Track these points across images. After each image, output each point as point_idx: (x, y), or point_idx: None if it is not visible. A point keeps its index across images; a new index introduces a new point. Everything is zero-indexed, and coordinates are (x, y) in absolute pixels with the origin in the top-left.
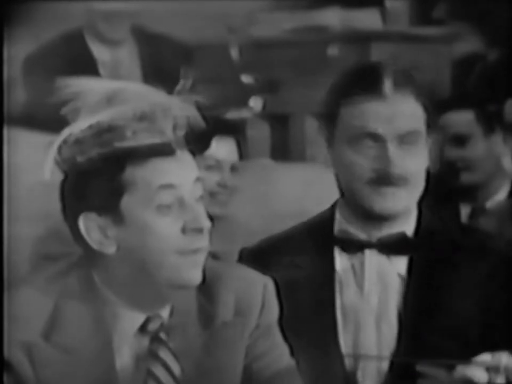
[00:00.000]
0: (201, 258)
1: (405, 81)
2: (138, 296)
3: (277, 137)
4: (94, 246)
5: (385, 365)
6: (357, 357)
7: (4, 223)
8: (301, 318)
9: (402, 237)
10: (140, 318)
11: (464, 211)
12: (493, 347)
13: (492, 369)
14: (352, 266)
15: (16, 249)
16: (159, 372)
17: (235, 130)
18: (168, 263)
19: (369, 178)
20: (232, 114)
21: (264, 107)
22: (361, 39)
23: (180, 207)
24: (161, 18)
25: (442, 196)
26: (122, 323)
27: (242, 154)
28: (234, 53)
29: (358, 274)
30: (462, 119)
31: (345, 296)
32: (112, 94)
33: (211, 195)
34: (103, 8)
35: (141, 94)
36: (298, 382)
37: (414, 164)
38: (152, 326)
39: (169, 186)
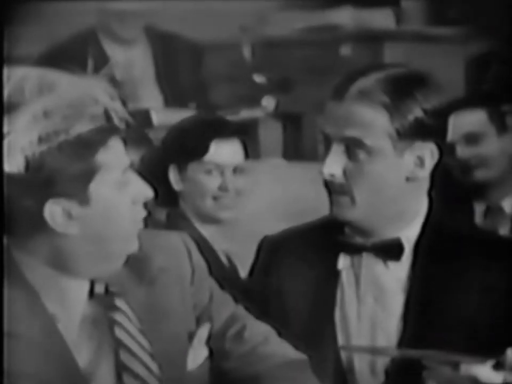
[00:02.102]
0: (141, 226)
1: (378, 92)
2: (88, 266)
3: (289, 137)
4: (59, 229)
5: (382, 360)
6: (364, 350)
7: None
8: (302, 310)
9: (395, 243)
10: (85, 284)
11: (479, 210)
12: (501, 348)
13: (508, 368)
14: (352, 266)
15: None
16: (121, 319)
17: (239, 131)
18: (122, 235)
19: (326, 183)
20: (244, 114)
21: (276, 106)
22: (374, 38)
23: (130, 181)
24: (174, 18)
25: (456, 193)
26: (71, 293)
27: (248, 155)
28: (246, 52)
29: (357, 274)
30: (475, 118)
31: (345, 293)
32: (43, 81)
33: (214, 199)
34: (115, 8)
35: (69, 83)
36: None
37: (360, 173)
38: (99, 288)
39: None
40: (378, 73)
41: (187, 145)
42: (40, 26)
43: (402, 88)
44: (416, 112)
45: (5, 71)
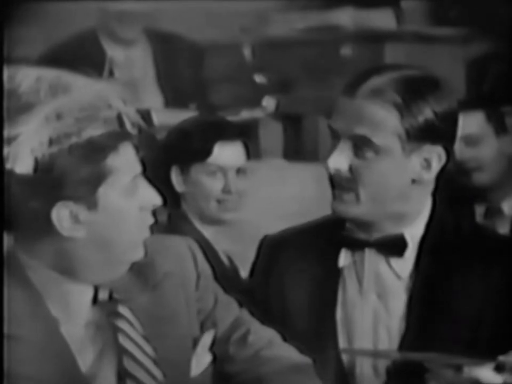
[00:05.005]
0: (148, 233)
1: (390, 90)
2: (93, 272)
3: (289, 137)
4: (65, 233)
5: (384, 362)
6: (365, 354)
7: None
8: (302, 310)
9: (398, 239)
10: (89, 290)
11: (479, 211)
12: (503, 349)
13: (508, 369)
14: (354, 263)
15: None
16: (124, 326)
17: (241, 133)
18: (129, 241)
19: (331, 177)
20: (244, 114)
21: (277, 107)
22: (374, 39)
23: (139, 187)
24: (174, 18)
25: (456, 196)
26: (75, 299)
27: (250, 156)
28: (247, 53)
29: (359, 271)
30: (474, 120)
31: (347, 291)
32: (58, 83)
33: (218, 202)
34: (116, 8)
35: (84, 85)
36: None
37: (366, 170)
38: (103, 295)
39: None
40: (393, 73)
41: (190, 147)
42: (41, 27)
43: (415, 89)
44: (427, 114)
45: (12, 71)
